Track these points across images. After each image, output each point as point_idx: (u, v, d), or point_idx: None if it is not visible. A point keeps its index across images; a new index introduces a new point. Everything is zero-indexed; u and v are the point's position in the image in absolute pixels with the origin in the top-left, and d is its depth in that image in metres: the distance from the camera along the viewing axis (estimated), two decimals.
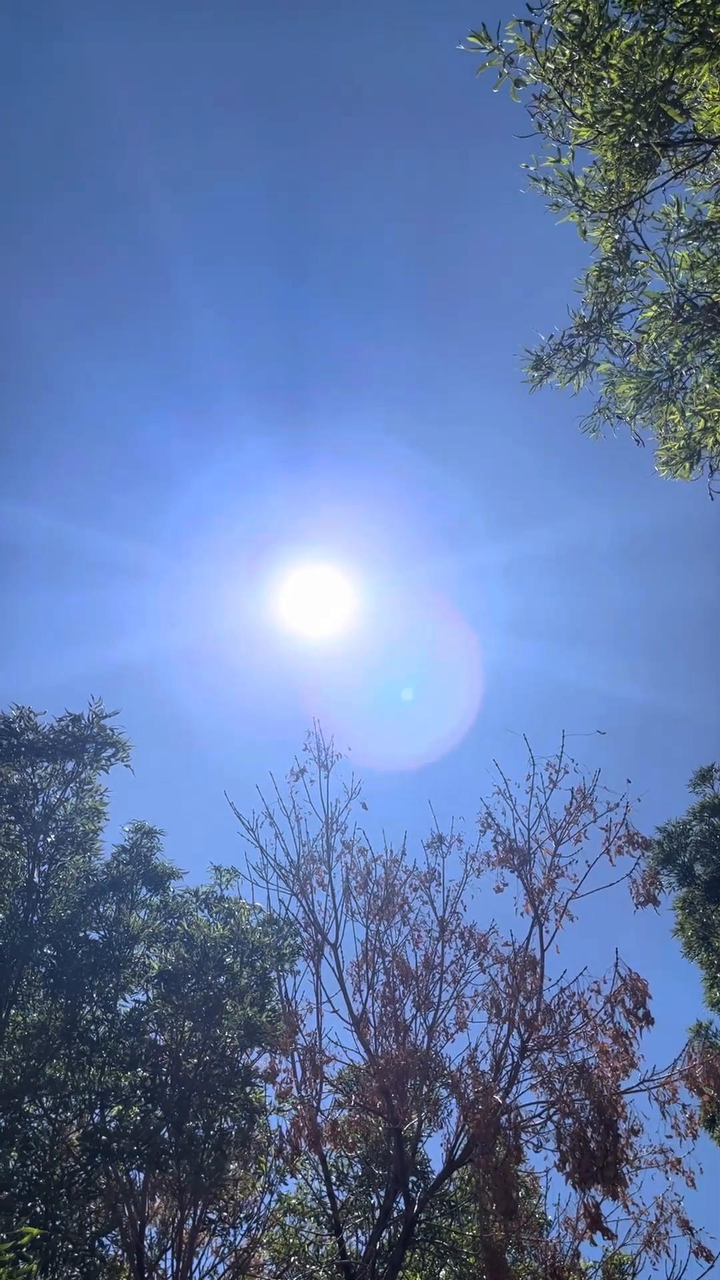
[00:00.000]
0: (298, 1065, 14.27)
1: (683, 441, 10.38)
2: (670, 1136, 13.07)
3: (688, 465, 10.50)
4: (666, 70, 8.40)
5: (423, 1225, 14.99)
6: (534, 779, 14.96)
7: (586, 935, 14.76)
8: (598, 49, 8.12)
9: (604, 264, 10.59)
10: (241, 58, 36.49)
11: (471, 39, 8.56)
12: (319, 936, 14.95)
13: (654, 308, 9.50)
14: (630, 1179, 12.73)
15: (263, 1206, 16.12)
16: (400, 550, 41.73)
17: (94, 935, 15.89)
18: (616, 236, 10.25)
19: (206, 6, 34.86)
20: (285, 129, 38.85)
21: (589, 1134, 12.30)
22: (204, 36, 35.34)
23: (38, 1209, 13.10)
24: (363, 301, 43.18)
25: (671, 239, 10.03)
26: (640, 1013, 13.08)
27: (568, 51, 8.32)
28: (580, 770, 14.91)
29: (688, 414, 10.22)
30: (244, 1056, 15.79)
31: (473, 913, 15.31)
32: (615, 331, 10.94)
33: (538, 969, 14.07)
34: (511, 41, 8.56)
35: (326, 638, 39.05)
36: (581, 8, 8.03)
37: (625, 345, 10.91)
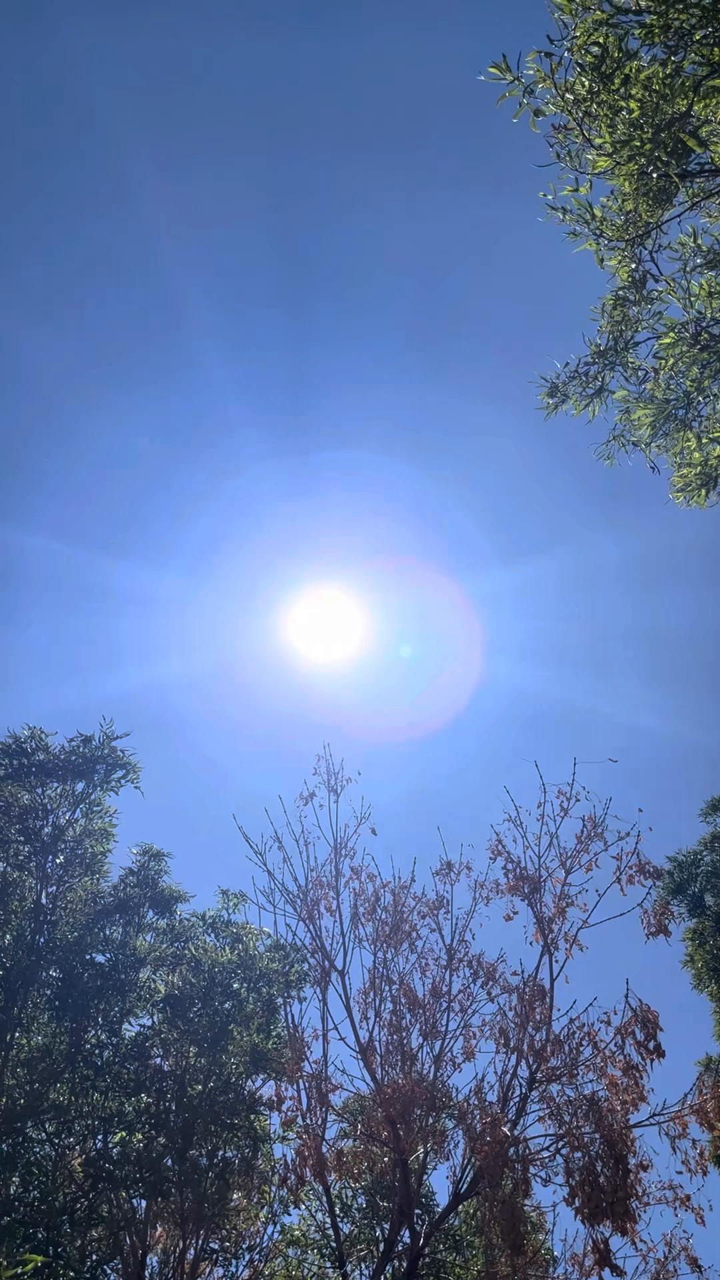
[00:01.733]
0: (303, 1093, 14.10)
1: (699, 469, 10.39)
2: (680, 1172, 12.88)
3: (703, 492, 10.50)
4: (685, 102, 8.48)
5: (428, 1259, 14.77)
6: (545, 806, 14.87)
7: (596, 965, 14.63)
8: (617, 80, 8.20)
9: (620, 292, 10.66)
10: (251, 91, 37.10)
11: (492, 70, 8.65)
12: (326, 963, 14.82)
13: (671, 335, 9.54)
14: (639, 1215, 12.54)
15: (265, 1237, 15.94)
16: (409, 575, 41.76)
17: (100, 958, 15.80)
18: (633, 265, 10.32)
19: (216, 47, 35.50)
20: (295, 157, 39.41)
21: (599, 1168, 12.11)
22: (212, 73, 36.01)
23: (39, 1235, 12.95)
24: (371, 330, 43.55)
25: (688, 269, 10.10)
26: (651, 1045, 12.91)
27: (587, 83, 8.40)
28: (592, 798, 14.80)
29: (704, 441, 10.23)
30: (249, 1083, 15.66)
31: (481, 941, 15.18)
32: (631, 359, 10.99)
33: (547, 999, 13.93)
34: (531, 73, 8.65)
35: (336, 662, 39.07)
36: (602, 40, 8.12)
37: (641, 373, 10.96)
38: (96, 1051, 15.15)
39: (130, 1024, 15.71)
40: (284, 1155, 15.18)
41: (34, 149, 37.39)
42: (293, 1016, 15.50)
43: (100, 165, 38.00)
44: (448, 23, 33.51)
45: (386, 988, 14.50)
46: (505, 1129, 12.75)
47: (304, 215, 40.18)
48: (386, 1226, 14.78)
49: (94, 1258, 14.31)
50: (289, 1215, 16.23)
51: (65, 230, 39.43)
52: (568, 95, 8.47)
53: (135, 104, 36.10)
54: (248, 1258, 15.65)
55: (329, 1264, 15.51)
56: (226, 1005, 15.54)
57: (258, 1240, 15.89)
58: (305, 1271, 15.87)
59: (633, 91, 8.16)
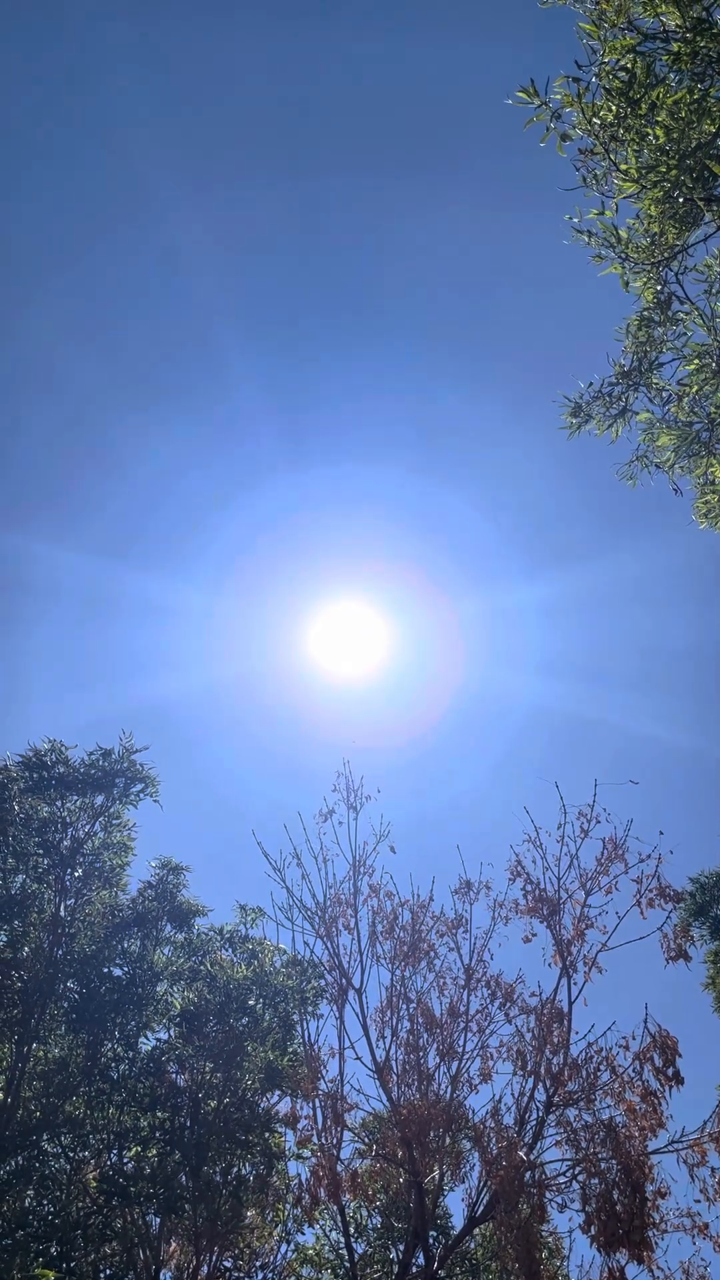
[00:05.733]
0: (319, 1111, 14.04)
1: None
2: (698, 1201, 12.74)
3: None
4: (711, 127, 8.45)
5: None
6: (565, 827, 14.79)
7: (615, 989, 14.51)
8: (644, 106, 8.19)
9: (645, 314, 10.62)
10: (277, 111, 37.44)
11: (520, 94, 8.66)
12: (343, 980, 14.78)
13: (696, 361, 9.50)
14: (656, 1243, 12.40)
15: (279, 1256, 15.84)
16: (431, 590, 41.79)
17: (117, 971, 15.82)
18: (658, 288, 10.28)
19: (244, 68, 35.84)
20: (321, 175, 39.65)
21: (615, 1196, 11.99)
22: (240, 94, 36.36)
23: (53, 1250, 12.95)
24: (397, 347, 43.69)
25: (713, 291, 10.06)
26: (670, 1071, 12.78)
27: (614, 107, 8.39)
28: (612, 820, 14.72)
29: None
30: (264, 1100, 15.60)
31: (499, 961, 15.06)
32: (655, 381, 10.94)
33: (565, 1022, 13.83)
34: (558, 97, 8.65)
35: (355, 676, 39.09)
36: (629, 65, 8.11)
37: (665, 395, 10.91)
38: (113, 1065, 15.15)
39: (146, 1038, 15.70)
40: (299, 1174, 15.14)
41: (64, 169, 37.91)
42: (309, 1034, 15.48)
43: (128, 184, 38.48)
44: (476, 44, 33.66)
45: (404, 1006, 14.44)
46: (521, 1153, 12.65)
47: (330, 233, 40.45)
48: (401, 1248, 14.69)
49: (107, 1273, 14.28)
50: (303, 1234, 16.16)
51: (94, 248, 39.93)
52: (594, 120, 8.47)
53: (163, 124, 36.54)
54: (261, 1276, 15.57)
55: None
56: (243, 1021, 15.51)
57: (271, 1259, 15.80)
58: None
59: (659, 117, 8.14)
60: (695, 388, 9.74)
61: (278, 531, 44.41)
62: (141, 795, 16.73)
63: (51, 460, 43.84)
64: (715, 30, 7.65)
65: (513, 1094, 13.60)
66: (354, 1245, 15.01)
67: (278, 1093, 15.58)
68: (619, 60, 8.35)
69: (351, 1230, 15.10)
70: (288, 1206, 15.77)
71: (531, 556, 45.27)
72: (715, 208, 9.01)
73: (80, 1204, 14.08)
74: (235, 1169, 15.05)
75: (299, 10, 35.50)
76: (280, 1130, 15.43)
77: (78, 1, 33.75)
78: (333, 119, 38.09)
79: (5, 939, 15.38)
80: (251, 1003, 15.70)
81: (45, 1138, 14.43)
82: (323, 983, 15.80)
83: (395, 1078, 13.91)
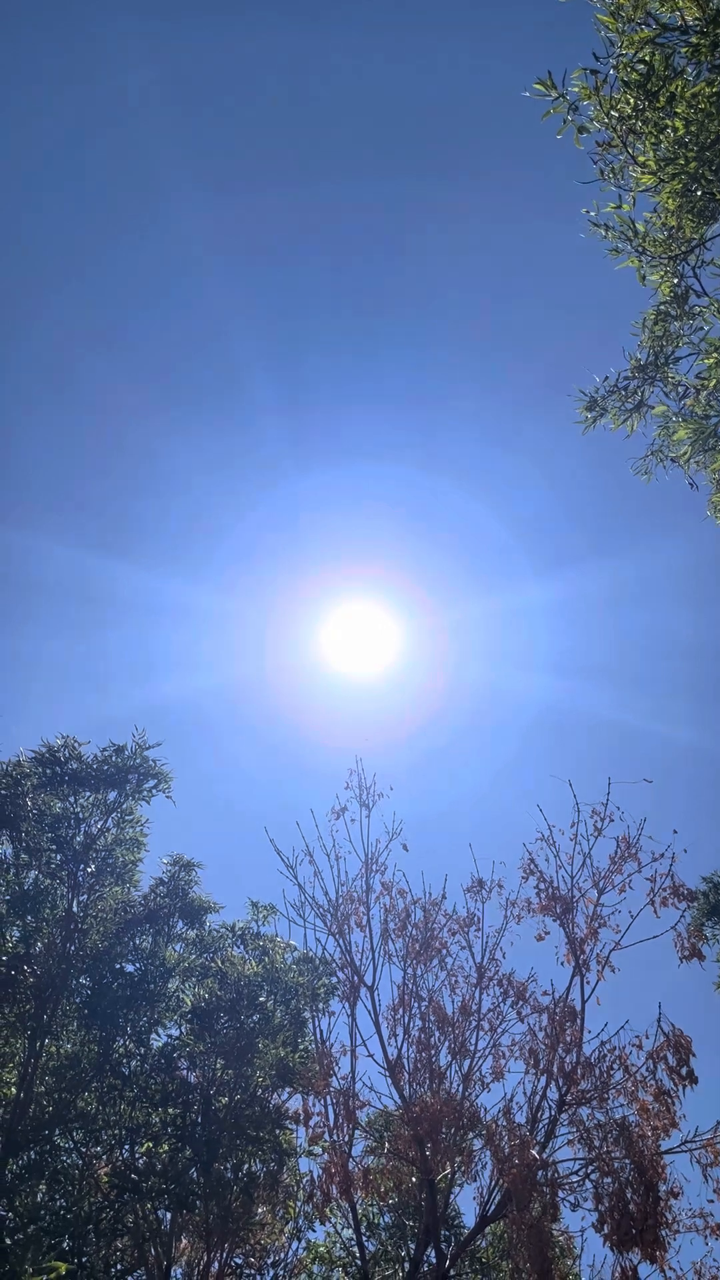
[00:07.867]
0: (330, 1109, 14.00)
1: None
2: (712, 1200, 12.67)
3: None
4: None
5: None
6: (579, 826, 14.71)
7: (628, 988, 14.44)
8: (662, 98, 8.14)
9: (662, 308, 10.56)
10: (290, 119, 37.49)
11: (537, 86, 8.62)
12: (355, 978, 14.73)
13: (714, 355, 9.44)
14: (668, 1243, 12.33)
15: (290, 1253, 15.84)
16: (444, 590, 41.73)
17: (129, 967, 15.84)
18: (675, 281, 10.22)
19: (262, 75, 35.95)
20: (330, 182, 39.74)
21: (628, 1195, 11.93)
22: (257, 100, 36.41)
23: (65, 1244, 12.96)
24: (406, 347, 43.69)
25: None
26: (683, 1071, 12.71)
27: (632, 100, 8.34)
28: (625, 818, 14.62)
29: None
30: (275, 1097, 15.60)
31: (512, 960, 14.97)
32: (671, 375, 10.89)
33: (578, 1020, 13.75)
34: (576, 90, 8.61)
35: (369, 676, 39.08)
36: (647, 58, 8.06)
37: (681, 389, 10.85)
38: (124, 1061, 15.16)
39: (158, 1034, 15.72)
40: (310, 1171, 15.12)
41: (77, 172, 38.08)
42: (320, 1031, 15.44)
43: (141, 188, 38.66)
44: (489, 44, 33.63)
45: (416, 1004, 14.38)
46: (534, 1152, 12.59)
47: (340, 235, 40.48)
48: (412, 1246, 14.65)
49: (119, 1268, 14.30)
50: (314, 1231, 16.14)
51: (105, 252, 40.10)
52: (612, 113, 8.42)
53: (176, 128, 36.69)
54: (272, 1273, 15.58)
55: None
56: (254, 1018, 15.50)
57: (282, 1255, 15.80)
58: None
59: (678, 109, 8.09)
60: (713, 382, 9.68)
61: (288, 532, 44.47)
62: (154, 791, 16.74)
63: (63, 462, 43.99)
64: None
65: (525, 1092, 13.55)
66: (365, 1243, 14.98)
67: (289, 1090, 15.58)
68: (637, 53, 8.30)
69: (363, 1228, 15.07)
70: (299, 1203, 15.76)
71: (542, 556, 45.19)
72: None
73: (92, 1199, 14.10)
74: (246, 1166, 15.05)
75: (312, 15, 35.56)
76: (291, 1127, 15.43)
77: (89, 6, 33.88)
78: (344, 121, 38.17)
79: (18, 934, 15.41)
80: (263, 1000, 15.68)
81: (57, 1133, 14.45)
82: (334, 980, 15.79)
83: (407, 1075, 13.86)
